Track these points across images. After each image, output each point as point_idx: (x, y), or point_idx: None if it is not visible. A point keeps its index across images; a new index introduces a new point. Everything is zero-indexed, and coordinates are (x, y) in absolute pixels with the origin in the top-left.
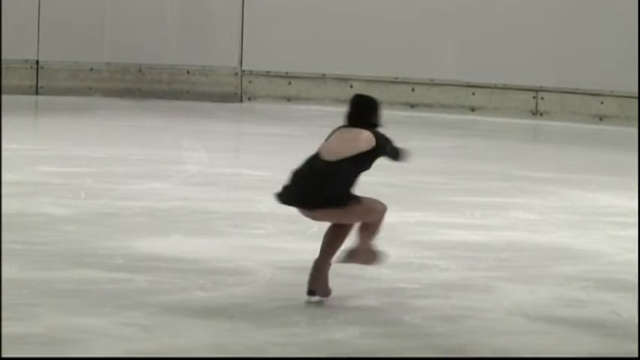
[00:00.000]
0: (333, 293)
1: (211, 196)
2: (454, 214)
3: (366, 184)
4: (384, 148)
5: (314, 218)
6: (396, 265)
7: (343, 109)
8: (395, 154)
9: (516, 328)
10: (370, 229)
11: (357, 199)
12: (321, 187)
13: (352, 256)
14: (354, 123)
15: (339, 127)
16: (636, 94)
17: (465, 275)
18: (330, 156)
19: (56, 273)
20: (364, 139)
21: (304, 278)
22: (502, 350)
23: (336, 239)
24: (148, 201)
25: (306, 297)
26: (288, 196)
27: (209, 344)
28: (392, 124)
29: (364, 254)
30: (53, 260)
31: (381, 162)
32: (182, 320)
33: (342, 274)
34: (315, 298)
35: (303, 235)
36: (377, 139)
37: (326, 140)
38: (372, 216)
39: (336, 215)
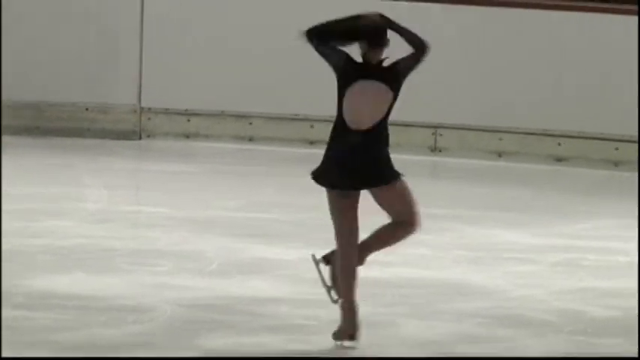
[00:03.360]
0: (230, 331)
1: (111, 233)
2: None
3: (264, 222)
4: (407, 69)
5: (377, 199)
6: (295, 302)
7: (242, 146)
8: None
9: None
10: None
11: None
12: (372, 158)
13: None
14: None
15: (352, 78)
16: (535, 131)
17: (364, 311)
18: (363, 125)
19: None
20: (388, 97)
21: (203, 315)
22: None
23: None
24: (48, 238)
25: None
26: (344, 179)
27: None
28: (291, 161)
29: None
30: None
31: (273, 199)
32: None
33: (241, 311)
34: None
35: (201, 273)
36: (395, 77)
37: (344, 97)
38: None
39: (398, 191)
